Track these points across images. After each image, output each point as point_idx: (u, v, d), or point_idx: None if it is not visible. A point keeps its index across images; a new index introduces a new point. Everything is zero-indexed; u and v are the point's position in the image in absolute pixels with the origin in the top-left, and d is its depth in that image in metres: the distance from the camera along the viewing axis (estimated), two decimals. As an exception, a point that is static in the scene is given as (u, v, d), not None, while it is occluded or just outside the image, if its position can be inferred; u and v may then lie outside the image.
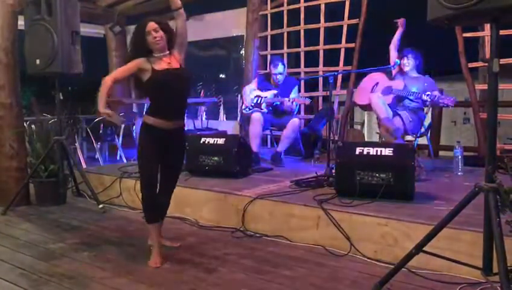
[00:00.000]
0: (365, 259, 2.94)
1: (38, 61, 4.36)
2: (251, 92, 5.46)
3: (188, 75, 3.05)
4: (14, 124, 4.47)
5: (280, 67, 5.33)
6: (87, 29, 8.00)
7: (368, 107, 4.85)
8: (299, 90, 6.38)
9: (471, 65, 5.24)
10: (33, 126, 5.07)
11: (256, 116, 5.15)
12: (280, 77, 5.35)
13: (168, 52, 2.97)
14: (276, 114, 5.32)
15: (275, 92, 5.34)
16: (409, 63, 4.68)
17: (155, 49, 2.92)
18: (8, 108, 4.43)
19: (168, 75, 2.91)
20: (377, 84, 4.85)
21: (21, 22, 4.53)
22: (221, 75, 9.56)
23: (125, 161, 6.59)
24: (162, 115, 2.91)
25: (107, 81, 2.85)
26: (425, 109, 4.73)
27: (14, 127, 4.47)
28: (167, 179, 3.11)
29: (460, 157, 4.45)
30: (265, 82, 5.49)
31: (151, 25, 2.90)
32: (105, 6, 8.84)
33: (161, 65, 2.92)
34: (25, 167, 4.59)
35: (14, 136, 4.47)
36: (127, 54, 3.06)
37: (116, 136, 6.96)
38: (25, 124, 4.77)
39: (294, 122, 5.12)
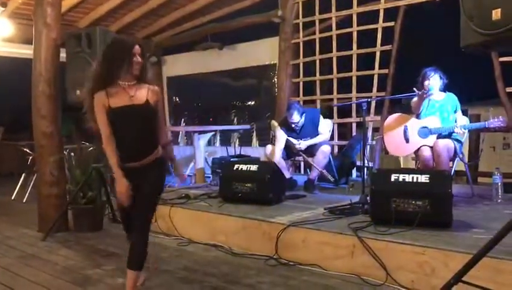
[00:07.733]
0: (402, 289, 2.87)
1: (78, 92, 4.52)
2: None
3: (150, 114, 2.71)
4: (54, 152, 4.62)
5: (295, 116, 5.16)
6: (124, 60, 8.24)
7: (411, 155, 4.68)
8: (332, 117, 6.38)
9: (509, 90, 5.12)
10: (72, 154, 5.22)
11: (268, 149, 5.25)
12: (300, 123, 5.23)
13: (135, 82, 2.71)
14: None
15: (297, 141, 5.22)
16: (435, 84, 4.42)
17: (130, 74, 2.66)
18: (49, 137, 4.59)
19: (122, 114, 2.62)
20: (406, 128, 4.48)
21: (62, 54, 4.74)
22: (253, 103, 9.65)
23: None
24: (121, 155, 2.64)
25: (108, 143, 2.62)
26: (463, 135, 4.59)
27: (55, 155, 4.62)
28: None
29: (499, 184, 4.31)
30: (286, 128, 5.29)
31: (138, 48, 2.65)
32: (142, 38, 9.14)
33: (119, 99, 2.63)
34: (64, 194, 4.72)
35: (55, 164, 4.61)
36: (100, 68, 2.66)
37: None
38: (64, 152, 4.92)
39: (324, 148, 5.10)
